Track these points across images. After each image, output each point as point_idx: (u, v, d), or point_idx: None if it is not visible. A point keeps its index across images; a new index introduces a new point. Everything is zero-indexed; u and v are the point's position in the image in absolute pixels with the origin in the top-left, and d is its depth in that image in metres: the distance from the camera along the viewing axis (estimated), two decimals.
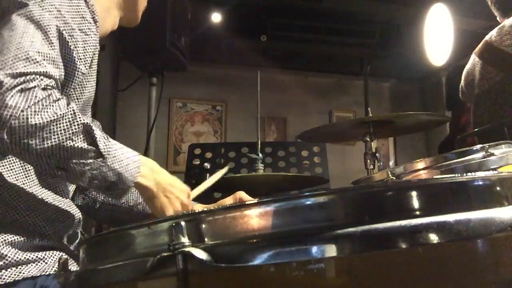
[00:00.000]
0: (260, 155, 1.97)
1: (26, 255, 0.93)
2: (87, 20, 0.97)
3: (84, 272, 0.70)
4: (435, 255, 0.55)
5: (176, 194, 1.01)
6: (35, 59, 0.84)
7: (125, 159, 0.90)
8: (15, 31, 0.86)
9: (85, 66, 0.96)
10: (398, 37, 4.40)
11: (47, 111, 0.82)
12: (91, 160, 0.85)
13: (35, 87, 0.82)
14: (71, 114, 0.84)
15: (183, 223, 0.58)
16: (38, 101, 0.81)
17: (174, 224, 0.58)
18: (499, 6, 2.23)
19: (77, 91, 0.98)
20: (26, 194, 0.96)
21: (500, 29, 2.13)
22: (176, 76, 3.75)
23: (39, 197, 0.98)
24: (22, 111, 0.79)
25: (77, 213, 1.07)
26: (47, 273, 0.94)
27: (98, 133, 0.87)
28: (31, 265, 0.93)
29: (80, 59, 0.95)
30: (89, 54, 0.97)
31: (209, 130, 5.08)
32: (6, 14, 0.89)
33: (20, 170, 0.97)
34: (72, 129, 0.84)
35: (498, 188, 0.61)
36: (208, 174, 2.23)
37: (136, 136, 4.07)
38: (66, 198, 1.06)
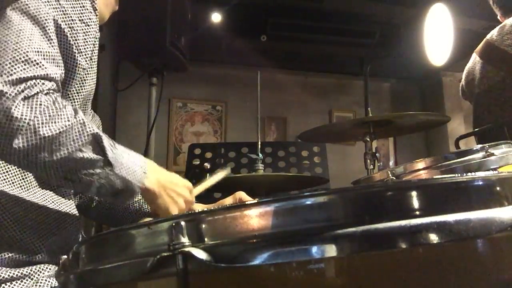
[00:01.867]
0: (260, 155, 1.97)
1: (10, 272, 0.87)
2: (87, 9, 0.92)
3: (84, 272, 0.70)
4: (435, 255, 0.55)
5: (178, 191, 0.99)
6: (35, 60, 0.79)
7: (132, 165, 0.87)
8: (11, 29, 0.81)
9: (85, 60, 0.92)
10: (398, 37, 4.40)
11: (55, 122, 0.78)
12: (99, 170, 0.83)
13: (38, 93, 0.78)
14: (80, 124, 0.81)
15: (183, 223, 0.58)
16: (44, 109, 0.77)
17: (174, 224, 0.58)
18: (501, 5, 2.23)
19: (77, 85, 0.94)
20: (18, 204, 0.90)
21: (501, 29, 2.13)
22: (176, 76, 3.75)
23: (36, 202, 0.93)
24: (29, 123, 0.75)
25: (75, 221, 1.03)
26: None
27: (106, 141, 0.84)
28: (15, 282, 0.87)
29: (81, 52, 0.90)
30: (89, 47, 0.92)
31: (209, 130, 5.07)
32: (0, 10, 0.84)
33: (16, 172, 0.92)
34: (81, 140, 0.80)
35: (498, 188, 0.61)
36: (208, 174, 2.23)
37: (136, 136, 4.07)
38: (69, 200, 1.02)
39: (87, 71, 0.95)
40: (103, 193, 0.86)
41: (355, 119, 4.05)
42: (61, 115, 0.79)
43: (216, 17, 4.09)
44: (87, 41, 0.91)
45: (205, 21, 4.06)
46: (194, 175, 2.35)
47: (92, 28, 0.92)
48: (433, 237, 0.53)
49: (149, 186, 0.92)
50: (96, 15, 0.94)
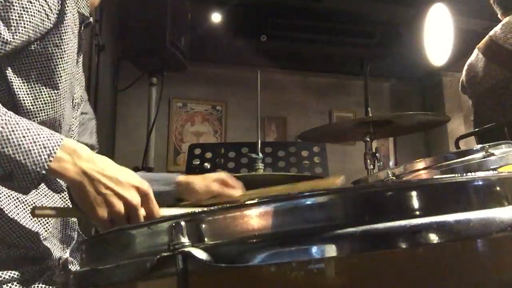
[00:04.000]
0: (260, 155, 1.96)
1: (10, 273, 0.84)
2: None
3: (84, 272, 0.70)
4: (435, 255, 0.55)
5: (118, 191, 0.77)
6: None
7: (29, 142, 0.73)
8: None
9: (15, 35, 0.80)
10: (398, 37, 4.40)
11: None
12: None
13: None
14: None
15: (183, 223, 0.58)
16: None
17: (174, 224, 0.58)
18: (500, 4, 2.23)
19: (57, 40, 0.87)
20: (11, 199, 0.87)
21: (505, 26, 2.12)
22: (176, 76, 3.75)
23: (27, 197, 0.88)
24: None
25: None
26: None
27: None
28: (15, 283, 0.84)
29: (10, 26, 0.79)
30: (28, 24, 0.82)
31: (209, 130, 5.07)
32: None
33: None
34: None
35: (498, 188, 0.61)
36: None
37: (136, 136, 4.07)
38: (61, 193, 0.98)
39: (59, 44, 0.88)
40: None
41: (355, 119, 4.05)
42: None
43: (216, 17, 4.09)
44: (22, 17, 0.81)
45: (205, 21, 4.06)
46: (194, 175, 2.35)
47: (35, 6, 0.83)
48: (433, 237, 0.53)
49: (59, 170, 0.75)
50: None
